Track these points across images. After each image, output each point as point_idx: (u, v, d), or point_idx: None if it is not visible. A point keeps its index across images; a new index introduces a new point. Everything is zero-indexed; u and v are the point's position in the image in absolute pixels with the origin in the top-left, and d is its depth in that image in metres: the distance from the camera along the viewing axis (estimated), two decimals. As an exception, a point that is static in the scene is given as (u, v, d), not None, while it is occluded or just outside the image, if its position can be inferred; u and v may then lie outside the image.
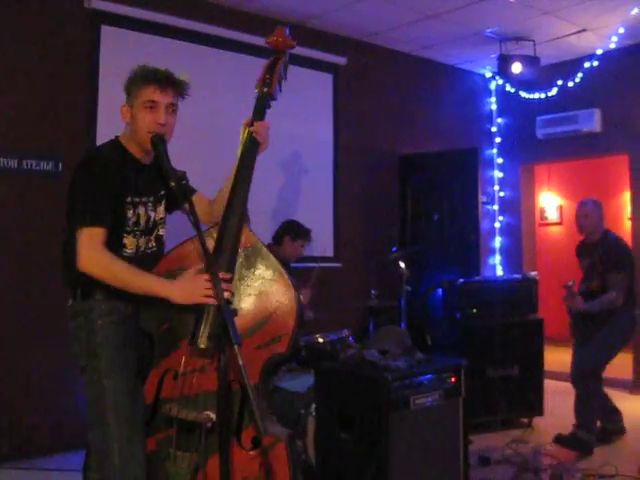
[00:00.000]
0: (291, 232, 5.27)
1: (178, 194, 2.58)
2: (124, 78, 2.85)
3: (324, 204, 6.91)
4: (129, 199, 2.77)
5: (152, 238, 2.91)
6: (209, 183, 3.17)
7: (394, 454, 3.54)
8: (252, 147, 2.95)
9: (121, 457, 2.65)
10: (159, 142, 2.69)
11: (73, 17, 5.35)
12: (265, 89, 3.07)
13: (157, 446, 2.78)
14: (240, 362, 2.24)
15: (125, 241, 2.78)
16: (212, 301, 2.57)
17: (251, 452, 2.66)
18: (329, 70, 6.99)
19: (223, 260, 2.71)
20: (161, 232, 2.96)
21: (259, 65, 3.19)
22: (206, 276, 2.58)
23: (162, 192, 2.94)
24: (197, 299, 2.60)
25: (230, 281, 2.67)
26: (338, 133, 7.06)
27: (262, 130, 2.98)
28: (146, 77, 2.76)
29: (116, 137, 2.88)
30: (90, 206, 2.65)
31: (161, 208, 2.95)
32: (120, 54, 5.41)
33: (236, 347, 2.27)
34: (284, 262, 4.89)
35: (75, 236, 2.63)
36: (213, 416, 2.63)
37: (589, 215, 5.30)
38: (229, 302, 2.56)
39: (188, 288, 2.61)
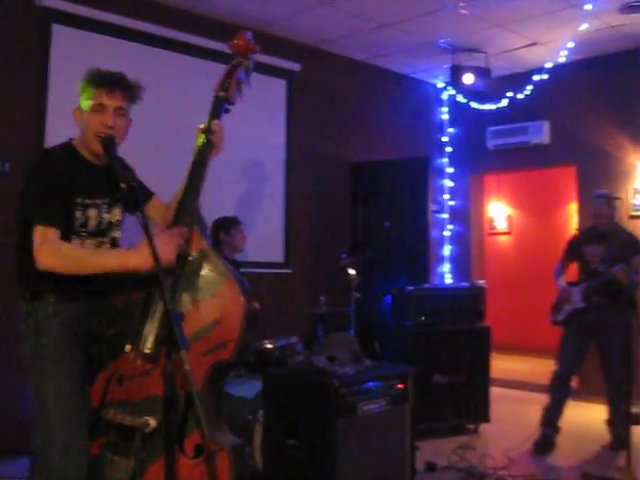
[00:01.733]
0: (221, 227, 5.21)
1: (128, 196, 2.57)
2: (75, 78, 2.84)
3: (275, 210, 6.90)
4: (79, 200, 2.74)
5: (106, 240, 2.87)
6: (163, 188, 3.14)
7: (341, 460, 3.54)
8: (206, 149, 2.94)
9: (61, 460, 2.61)
10: (108, 143, 2.68)
11: (23, 15, 5.26)
12: (222, 93, 3.07)
13: (100, 450, 2.74)
14: (186, 367, 2.22)
15: (73, 242, 2.74)
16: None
17: (193, 460, 2.62)
18: (283, 76, 6.98)
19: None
20: (116, 234, 2.93)
21: (214, 69, 3.17)
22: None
23: (118, 194, 2.90)
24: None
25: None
26: (290, 139, 7.05)
27: (218, 129, 2.97)
28: (95, 80, 2.76)
29: (69, 139, 2.86)
30: (43, 207, 2.63)
31: (117, 210, 2.91)
32: (71, 53, 5.33)
33: (183, 352, 2.25)
34: (234, 262, 4.88)
35: (30, 237, 2.59)
36: (152, 422, 2.60)
37: (606, 215, 5.45)
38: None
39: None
